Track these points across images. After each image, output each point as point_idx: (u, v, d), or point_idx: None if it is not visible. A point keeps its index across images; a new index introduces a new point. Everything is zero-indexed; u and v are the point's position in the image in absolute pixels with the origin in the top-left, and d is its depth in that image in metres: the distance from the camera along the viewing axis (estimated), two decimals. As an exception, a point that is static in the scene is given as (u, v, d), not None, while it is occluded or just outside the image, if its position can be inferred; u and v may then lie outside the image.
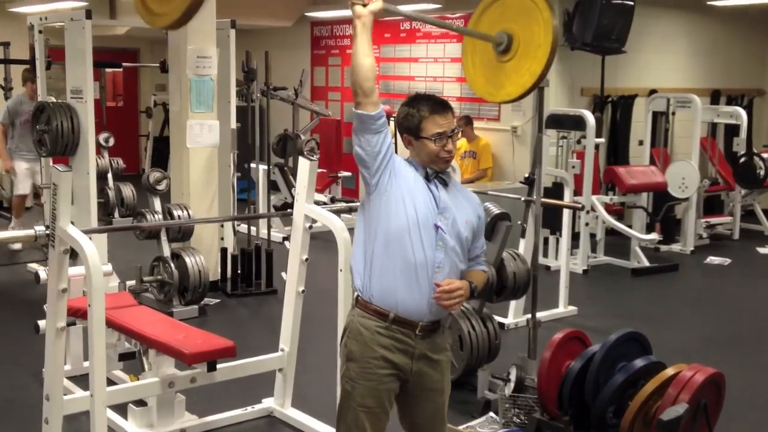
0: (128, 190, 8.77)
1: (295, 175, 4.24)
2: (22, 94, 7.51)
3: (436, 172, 2.65)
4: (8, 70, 8.50)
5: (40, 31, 6.11)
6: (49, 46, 6.32)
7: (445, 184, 2.67)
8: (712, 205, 9.08)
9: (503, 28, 3.09)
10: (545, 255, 7.20)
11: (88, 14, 5.39)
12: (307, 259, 3.83)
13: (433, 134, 2.60)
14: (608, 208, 7.71)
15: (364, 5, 2.52)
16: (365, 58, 2.51)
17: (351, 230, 3.40)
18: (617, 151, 8.96)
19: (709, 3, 8.86)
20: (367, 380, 2.61)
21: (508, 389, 4.06)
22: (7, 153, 7.54)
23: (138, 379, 3.87)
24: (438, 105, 2.64)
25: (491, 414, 4.13)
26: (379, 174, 2.57)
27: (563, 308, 5.97)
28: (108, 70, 9.92)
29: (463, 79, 8.85)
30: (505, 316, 5.59)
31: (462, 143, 8.64)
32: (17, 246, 7.40)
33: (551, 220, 6.58)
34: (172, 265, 5.57)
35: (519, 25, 3.06)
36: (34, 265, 6.68)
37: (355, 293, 2.69)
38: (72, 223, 3.10)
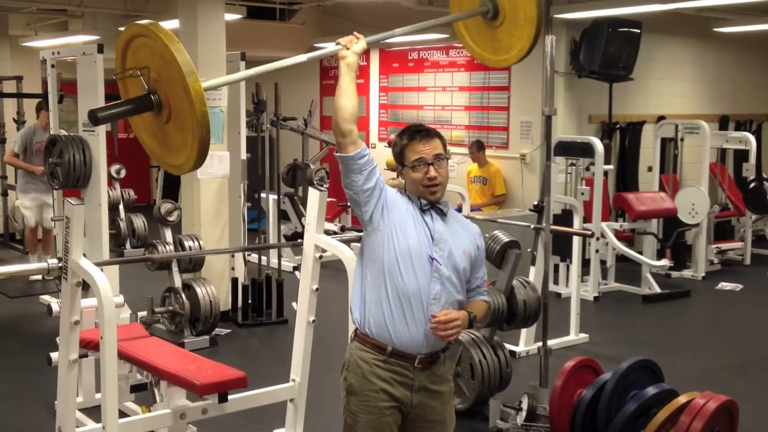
0: (139, 221, 8.80)
1: (305, 205, 4.27)
2: (34, 125, 7.49)
3: (431, 203, 2.64)
4: (21, 104, 8.58)
5: (52, 65, 6.17)
6: (62, 80, 6.38)
7: (442, 215, 2.65)
8: (722, 230, 9.06)
9: None
10: (556, 282, 7.20)
11: (100, 48, 5.44)
12: (317, 289, 3.84)
13: (411, 161, 2.61)
14: (618, 234, 7.71)
15: (347, 48, 2.59)
16: (345, 99, 2.55)
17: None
18: (626, 177, 8.98)
19: (715, 30, 8.91)
20: (369, 413, 2.60)
21: (520, 418, 4.05)
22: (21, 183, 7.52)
23: (150, 411, 3.87)
24: (417, 132, 2.64)
25: (503, 443, 4.12)
26: (371, 210, 2.58)
27: (574, 336, 5.95)
28: (119, 102, 9.97)
29: (472, 107, 9.00)
30: (517, 344, 5.58)
31: (472, 168, 8.67)
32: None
33: (561, 247, 6.58)
34: (183, 295, 5.59)
35: None
36: (46, 297, 6.71)
37: (354, 326, 2.69)
38: (84, 254, 3.13)
